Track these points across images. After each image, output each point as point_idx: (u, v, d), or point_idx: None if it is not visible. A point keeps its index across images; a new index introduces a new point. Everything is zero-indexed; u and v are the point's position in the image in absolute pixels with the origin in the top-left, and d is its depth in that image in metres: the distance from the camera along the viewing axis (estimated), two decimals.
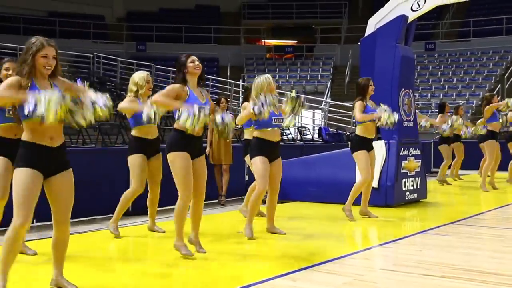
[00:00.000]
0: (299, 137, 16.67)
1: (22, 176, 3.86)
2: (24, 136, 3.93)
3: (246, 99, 7.31)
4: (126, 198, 6.33)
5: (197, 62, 5.29)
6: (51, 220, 4.11)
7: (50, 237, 4.19)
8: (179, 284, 4.70)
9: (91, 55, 21.28)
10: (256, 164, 6.30)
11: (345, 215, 7.52)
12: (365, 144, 7.53)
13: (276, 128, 6.36)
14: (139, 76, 6.41)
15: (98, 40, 26.11)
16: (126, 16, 28.68)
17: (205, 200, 5.56)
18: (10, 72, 4.97)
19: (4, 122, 4.95)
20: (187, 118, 4.99)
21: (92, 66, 21.23)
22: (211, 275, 4.86)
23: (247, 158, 7.27)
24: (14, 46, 17.42)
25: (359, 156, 7.51)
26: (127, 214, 7.71)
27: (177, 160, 5.22)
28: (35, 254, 5.33)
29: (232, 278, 4.83)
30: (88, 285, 4.36)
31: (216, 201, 9.62)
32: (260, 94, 6.17)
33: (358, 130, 7.59)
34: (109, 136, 11.35)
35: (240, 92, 20.17)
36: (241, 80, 22.34)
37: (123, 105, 6.30)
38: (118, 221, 6.43)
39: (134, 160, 6.26)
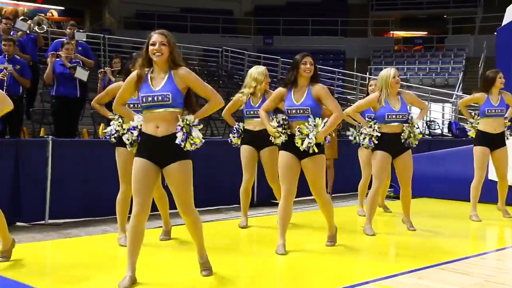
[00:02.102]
0: (427, 132, 16.12)
1: (135, 165, 4.09)
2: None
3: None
4: (241, 191, 6.49)
5: (308, 65, 5.23)
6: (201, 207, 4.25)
7: (181, 224, 4.35)
8: (303, 275, 4.70)
9: (220, 49, 21.84)
10: (374, 159, 6.19)
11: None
12: (484, 140, 7.13)
13: (396, 123, 6.15)
14: (258, 72, 6.47)
15: (227, 34, 26.75)
16: (253, 10, 29.14)
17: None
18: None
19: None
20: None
21: (221, 60, 21.78)
22: (335, 269, 4.83)
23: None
24: None
25: (475, 152, 7.16)
26: (251, 205, 7.87)
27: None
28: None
29: (356, 273, 4.78)
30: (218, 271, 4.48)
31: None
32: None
33: (479, 125, 7.22)
34: None
35: (367, 85, 19.82)
36: (367, 73, 21.96)
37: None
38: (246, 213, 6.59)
39: (241, 151, 6.45)
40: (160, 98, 4.05)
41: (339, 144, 9.12)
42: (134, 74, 4.19)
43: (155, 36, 4.11)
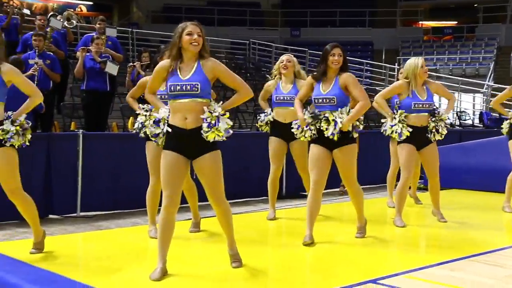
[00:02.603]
0: (457, 123, 15.90)
1: (164, 157, 4.09)
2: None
3: None
4: (268, 183, 6.49)
5: (336, 57, 5.18)
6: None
7: (210, 216, 4.37)
8: (332, 267, 4.69)
9: (247, 42, 21.82)
10: (401, 152, 6.13)
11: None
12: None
13: (422, 113, 6.07)
14: (281, 58, 6.52)
15: (254, 27, 26.71)
16: (281, 3, 29.02)
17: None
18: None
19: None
20: None
21: (248, 52, 21.76)
22: (365, 261, 4.80)
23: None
24: None
25: (509, 145, 7.01)
26: (280, 196, 7.87)
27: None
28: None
29: (386, 265, 4.74)
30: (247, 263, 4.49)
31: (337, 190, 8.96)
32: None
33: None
34: None
35: (395, 76, 19.62)
36: (396, 64, 21.72)
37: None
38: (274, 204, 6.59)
39: (269, 143, 6.45)
40: (188, 87, 4.05)
41: (366, 135, 9.06)
42: (164, 62, 4.20)
43: (192, 27, 4.11)
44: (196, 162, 4.14)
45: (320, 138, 5.17)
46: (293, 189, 8.32)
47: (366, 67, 20.62)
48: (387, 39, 26.07)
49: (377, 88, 19.26)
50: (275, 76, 6.49)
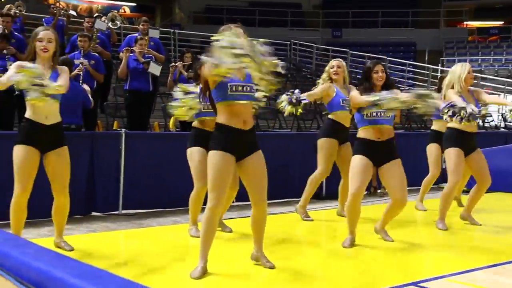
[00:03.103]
0: (502, 125, 15.56)
1: (216, 159, 4.05)
2: (219, 119, 4.13)
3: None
4: (312, 181, 6.44)
5: (380, 74, 5.15)
6: (249, 200, 4.29)
7: (249, 216, 4.38)
8: (372, 269, 4.65)
9: (288, 43, 21.82)
10: (449, 156, 6.01)
11: None
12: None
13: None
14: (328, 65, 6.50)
15: (295, 27, 26.69)
16: (322, 3, 28.93)
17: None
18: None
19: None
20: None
21: (289, 53, 21.74)
22: (409, 263, 4.75)
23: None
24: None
25: None
26: (320, 197, 7.84)
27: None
28: (231, 232, 5.65)
29: (429, 268, 4.68)
30: (283, 265, 4.48)
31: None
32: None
33: None
34: (305, 121, 11.59)
35: (439, 77, 19.32)
36: (439, 65, 21.40)
37: (314, 91, 6.41)
38: (307, 204, 6.57)
39: (323, 144, 6.34)
40: (248, 88, 4.10)
41: (407, 137, 8.96)
42: None
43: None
44: (244, 162, 4.14)
45: (369, 150, 5.11)
46: (333, 190, 8.26)
47: (408, 68, 20.36)
48: (430, 40, 25.70)
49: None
50: (325, 80, 6.43)
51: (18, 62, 4.49)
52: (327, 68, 6.50)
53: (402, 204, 5.11)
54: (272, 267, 4.32)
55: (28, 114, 4.50)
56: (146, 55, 8.78)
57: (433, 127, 7.27)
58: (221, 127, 4.10)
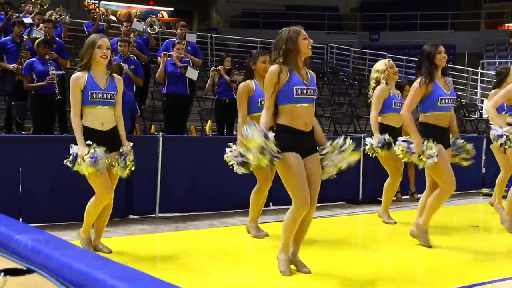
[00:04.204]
0: None
1: (292, 161, 4.08)
2: (281, 120, 4.18)
3: (497, 85, 6.80)
4: (387, 188, 6.45)
5: (443, 54, 5.16)
6: (286, 204, 4.30)
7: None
8: (444, 269, 4.60)
9: (325, 46, 21.76)
10: None
11: None
12: None
13: None
14: (379, 64, 6.46)
15: (332, 31, 26.59)
16: (359, 6, 28.77)
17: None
18: (267, 64, 5.26)
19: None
20: None
21: (326, 56, 21.68)
22: (450, 269, 4.69)
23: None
24: (255, 40, 18.51)
25: None
26: (357, 202, 7.78)
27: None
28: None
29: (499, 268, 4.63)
30: (319, 270, 4.47)
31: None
32: None
33: None
34: (341, 125, 11.54)
35: (479, 80, 19.03)
36: (479, 68, 21.07)
37: (374, 99, 6.34)
38: (387, 209, 6.57)
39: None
40: (311, 91, 4.19)
41: None
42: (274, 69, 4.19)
43: (304, 32, 4.20)
44: (305, 162, 4.17)
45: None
46: (370, 194, 8.21)
47: (448, 71, 20.09)
48: (470, 42, 25.30)
49: (458, 92, 18.74)
50: (380, 81, 6.36)
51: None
52: (384, 67, 6.37)
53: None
54: (308, 272, 4.32)
55: (84, 121, 4.60)
56: (183, 59, 8.88)
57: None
58: (285, 128, 4.15)
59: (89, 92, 4.55)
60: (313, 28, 25.73)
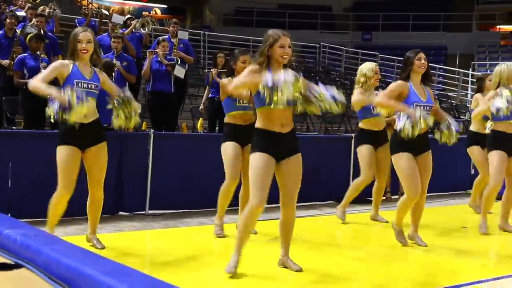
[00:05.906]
0: None
1: (257, 161, 4.13)
2: (258, 124, 4.20)
3: (479, 89, 6.95)
4: (355, 186, 6.48)
5: (423, 61, 5.19)
6: (276, 203, 4.32)
7: (274, 219, 4.41)
8: (404, 271, 4.63)
9: (318, 45, 21.78)
10: (492, 158, 5.97)
11: None
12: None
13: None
14: (367, 67, 6.42)
15: (325, 30, 26.60)
16: (352, 6, 28.82)
17: None
18: (247, 64, 5.29)
19: (235, 110, 5.35)
20: (404, 125, 4.91)
21: (318, 56, 21.71)
22: (436, 269, 4.72)
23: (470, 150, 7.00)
24: (248, 38, 18.51)
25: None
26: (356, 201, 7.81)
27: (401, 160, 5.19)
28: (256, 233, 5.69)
29: (463, 273, 4.65)
30: (310, 267, 4.49)
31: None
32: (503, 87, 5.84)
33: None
34: (332, 125, 11.58)
35: (469, 82, 19.12)
36: (470, 69, 21.16)
37: (355, 98, 6.38)
38: (346, 207, 6.58)
39: (362, 151, 6.33)
40: None
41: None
42: (253, 69, 4.22)
43: (284, 39, 4.22)
44: (282, 163, 4.21)
45: (414, 148, 5.17)
46: (359, 194, 8.23)
47: (439, 72, 20.17)
48: (461, 44, 25.39)
49: (449, 93, 18.82)
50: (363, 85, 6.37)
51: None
52: (370, 74, 6.34)
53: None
54: (299, 270, 4.34)
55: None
56: (168, 57, 8.85)
57: (471, 128, 7.16)
58: (260, 131, 4.19)
59: (74, 81, 4.57)
60: (305, 27, 25.80)
